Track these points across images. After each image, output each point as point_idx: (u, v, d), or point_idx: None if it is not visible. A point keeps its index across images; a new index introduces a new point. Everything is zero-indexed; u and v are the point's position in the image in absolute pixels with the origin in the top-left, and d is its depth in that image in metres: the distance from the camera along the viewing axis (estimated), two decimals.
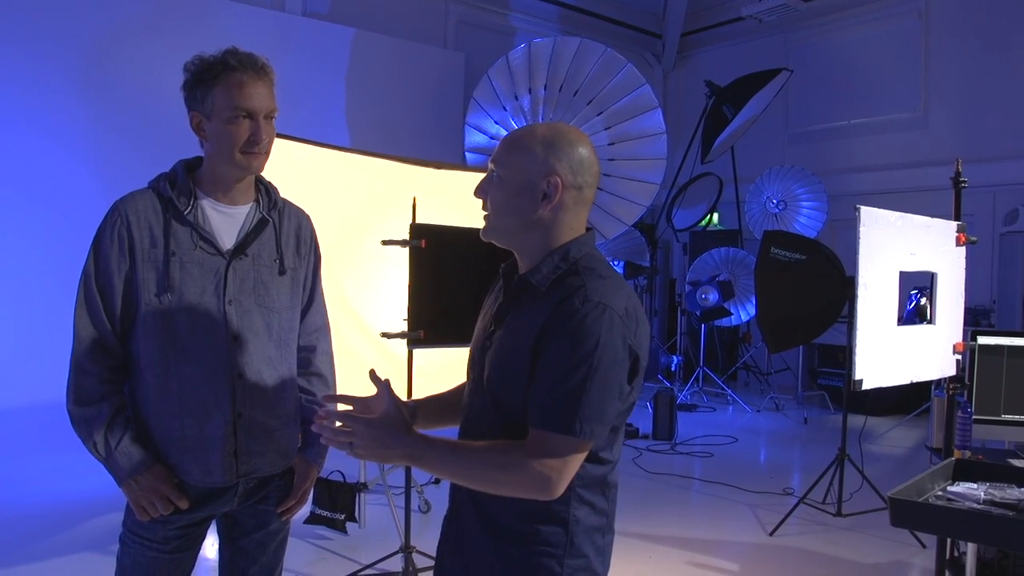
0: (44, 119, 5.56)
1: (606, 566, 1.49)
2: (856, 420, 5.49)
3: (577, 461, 1.35)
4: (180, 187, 1.74)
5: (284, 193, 1.94)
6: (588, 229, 1.49)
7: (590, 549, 1.43)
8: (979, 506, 1.95)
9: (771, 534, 4.26)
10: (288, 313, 1.85)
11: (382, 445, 1.39)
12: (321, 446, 1.94)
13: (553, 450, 1.32)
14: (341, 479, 4.12)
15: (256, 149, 1.73)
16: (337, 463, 4.47)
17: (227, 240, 1.76)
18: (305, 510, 4.05)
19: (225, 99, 1.68)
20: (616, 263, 9.01)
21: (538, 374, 1.36)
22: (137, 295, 1.69)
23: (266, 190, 1.86)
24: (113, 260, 1.68)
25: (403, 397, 3.27)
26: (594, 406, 1.32)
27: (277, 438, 1.82)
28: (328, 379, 2.00)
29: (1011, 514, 1.89)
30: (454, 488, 1.56)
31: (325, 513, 3.96)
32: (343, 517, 3.94)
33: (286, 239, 1.85)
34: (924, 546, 4.00)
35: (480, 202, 1.50)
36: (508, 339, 1.44)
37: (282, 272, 1.83)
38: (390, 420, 1.42)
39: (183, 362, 1.70)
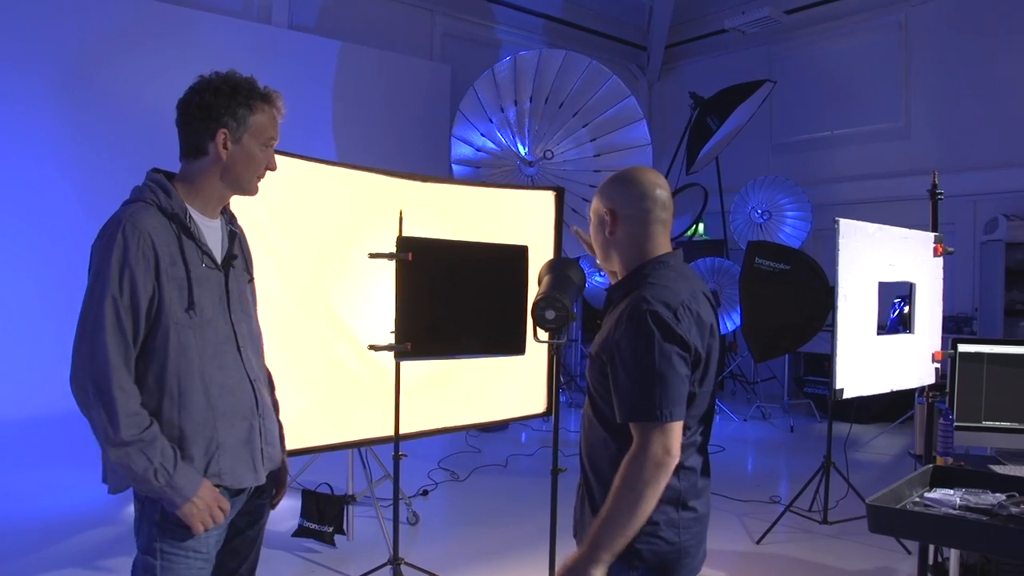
0: (24, 132, 5.54)
1: (685, 538, 1.70)
2: (841, 428, 5.54)
3: (671, 435, 1.58)
4: (176, 203, 1.76)
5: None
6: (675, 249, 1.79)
7: (660, 518, 1.66)
8: (955, 511, 1.98)
9: (758, 542, 4.28)
10: (255, 319, 1.98)
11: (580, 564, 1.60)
12: (283, 438, 2.06)
13: (648, 436, 1.57)
14: (329, 491, 4.12)
15: (264, 175, 1.87)
16: (324, 475, 4.47)
17: (217, 253, 1.83)
18: (293, 523, 4.05)
19: (264, 127, 1.81)
20: (602, 274, 9.06)
21: (612, 375, 1.64)
22: (161, 315, 1.69)
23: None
24: (140, 282, 1.66)
25: (391, 410, 3.31)
26: (666, 391, 1.57)
27: (276, 434, 1.97)
28: (271, 377, 2.10)
29: (985, 519, 1.92)
30: (581, 470, 1.85)
31: (313, 526, 3.96)
32: (331, 529, 3.93)
33: (246, 249, 1.98)
34: (909, 552, 4.04)
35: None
36: (596, 342, 1.77)
37: (250, 280, 1.97)
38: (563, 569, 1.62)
39: (218, 373, 1.77)
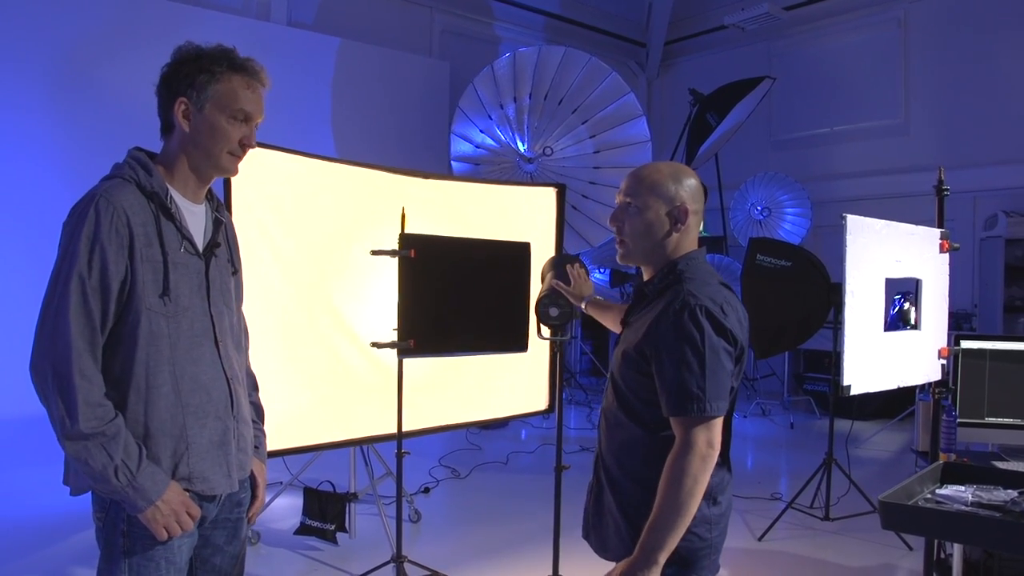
0: (20, 130, 5.49)
1: (715, 534, 1.73)
2: (842, 424, 5.54)
3: (714, 429, 1.60)
4: (156, 182, 1.63)
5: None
6: (700, 245, 1.82)
7: (695, 514, 1.64)
8: (967, 508, 1.98)
9: (760, 539, 4.28)
10: (238, 313, 1.87)
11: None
12: (262, 446, 1.94)
13: (693, 430, 1.58)
14: (331, 489, 4.10)
15: (243, 153, 1.71)
16: (326, 473, 4.46)
17: (198, 240, 1.71)
18: (295, 521, 4.03)
19: (229, 96, 1.66)
20: (602, 270, 9.05)
21: (659, 370, 1.64)
22: (132, 299, 1.57)
23: (210, 190, 1.81)
24: (112, 261, 1.53)
25: (393, 407, 3.30)
26: (714, 385, 1.59)
27: (250, 438, 1.84)
28: (255, 378, 1.99)
29: (998, 515, 1.92)
30: (595, 462, 1.88)
31: (315, 524, 3.94)
32: (333, 527, 3.92)
33: (232, 239, 1.86)
34: (911, 548, 4.04)
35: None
36: (629, 339, 1.76)
37: (234, 272, 1.84)
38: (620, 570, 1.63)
39: (191, 368, 1.65)
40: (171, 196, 1.65)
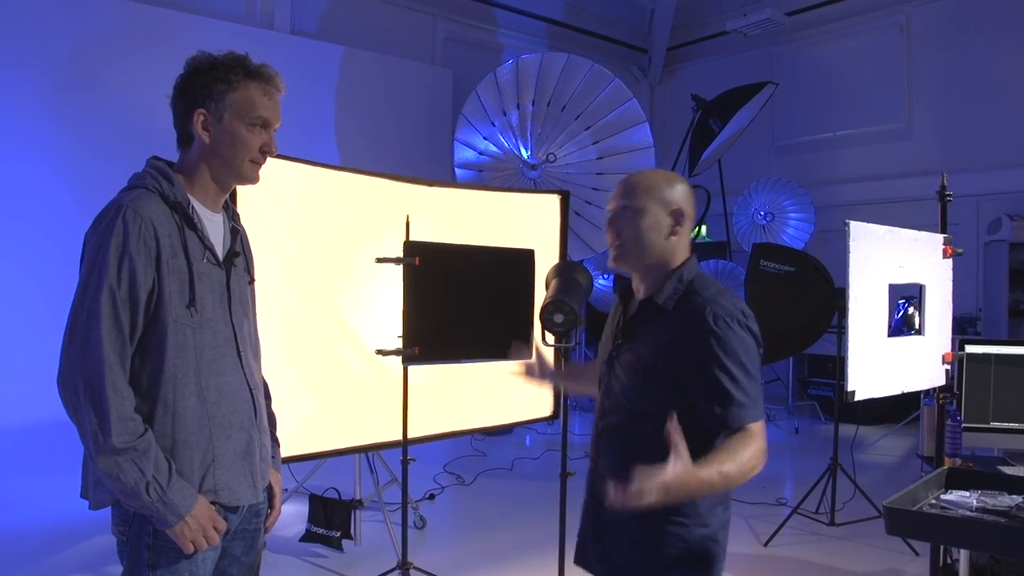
0: (22, 135, 5.52)
1: (726, 541, 1.73)
2: (847, 429, 5.53)
3: (764, 434, 1.62)
4: (179, 192, 1.63)
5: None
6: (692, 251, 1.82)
7: (713, 520, 1.69)
8: (972, 513, 1.98)
9: (765, 544, 4.27)
10: (254, 322, 1.86)
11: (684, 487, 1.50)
12: (277, 456, 1.92)
13: (758, 435, 1.59)
14: (336, 496, 4.11)
15: (264, 160, 1.71)
16: (332, 480, 4.47)
17: (218, 249, 1.71)
18: (301, 528, 4.04)
19: (247, 104, 1.65)
20: (606, 276, 9.06)
21: (705, 385, 1.61)
22: (159, 310, 1.56)
23: (226, 199, 1.80)
24: (140, 272, 1.53)
25: (397, 414, 3.31)
26: (757, 391, 1.63)
27: (269, 447, 1.84)
28: (268, 387, 1.96)
29: (1003, 521, 1.92)
30: (592, 480, 1.85)
31: (320, 530, 3.95)
32: (339, 534, 3.93)
33: (247, 248, 1.85)
34: (917, 554, 4.03)
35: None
36: (641, 351, 1.73)
37: (250, 281, 1.83)
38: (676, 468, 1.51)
39: (217, 379, 1.65)
40: (193, 206, 1.66)
